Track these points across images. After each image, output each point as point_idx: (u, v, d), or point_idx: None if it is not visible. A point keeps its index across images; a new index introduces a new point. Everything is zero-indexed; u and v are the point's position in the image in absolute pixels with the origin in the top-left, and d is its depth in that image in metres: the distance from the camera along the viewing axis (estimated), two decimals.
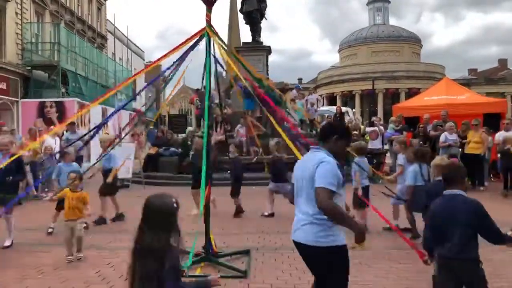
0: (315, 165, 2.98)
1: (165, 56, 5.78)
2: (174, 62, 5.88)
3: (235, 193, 8.41)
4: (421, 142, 11.13)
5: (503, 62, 64.47)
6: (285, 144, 9.30)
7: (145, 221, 2.36)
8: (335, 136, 3.15)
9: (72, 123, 11.83)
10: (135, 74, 7.97)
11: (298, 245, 3.10)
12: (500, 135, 11.34)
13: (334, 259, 2.98)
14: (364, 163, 7.00)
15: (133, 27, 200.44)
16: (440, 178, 4.95)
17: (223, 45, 5.92)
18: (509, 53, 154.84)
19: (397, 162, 7.54)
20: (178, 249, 2.36)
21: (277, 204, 8.44)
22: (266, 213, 8.30)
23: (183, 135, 15.76)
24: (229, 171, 9.40)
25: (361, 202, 6.51)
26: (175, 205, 2.39)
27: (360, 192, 6.68)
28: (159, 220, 2.33)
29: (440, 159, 5.49)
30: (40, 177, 10.44)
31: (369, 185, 6.96)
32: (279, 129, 6.14)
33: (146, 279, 2.25)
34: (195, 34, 5.50)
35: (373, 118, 17.46)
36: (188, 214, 8.05)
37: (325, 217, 2.90)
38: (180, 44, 5.64)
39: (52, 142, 10.97)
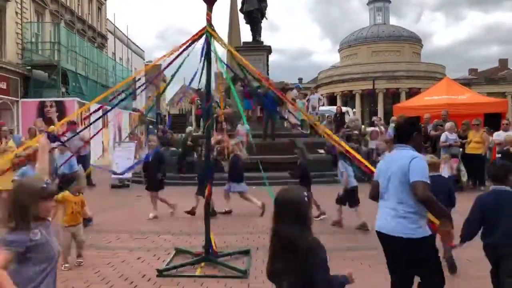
0: (408, 161, 3.17)
1: (165, 56, 5.77)
2: (173, 60, 5.86)
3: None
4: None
5: (503, 62, 64.32)
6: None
7: (281, 216, 2.28)
8: (415, 132, 3.42)
9: (73, 123, 11.79)
10: (135, 74, 7.98)
11: (384, 236, 3.26)
12: (499, 135, 11.35)
13: (426, 249, 3.18)
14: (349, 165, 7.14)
15: (133, 26, 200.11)
16: (434, 173, 5.02)
17: (224, 44, 5.91)
18: (509, 53, 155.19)
19: None
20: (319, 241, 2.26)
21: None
22: (224, 210, 8.38)
23: (183, 134, 15.75)
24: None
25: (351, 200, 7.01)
26: (305, 198, 2.31)
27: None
28: (294, 212, 2.25)
29: (430, 157, 5.53)
30: None
31: (357, 186, 7.21)
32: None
33: (306, 274, 2.16)
34: (196, 34, 5.49)
35: (374, 118, 17.47)
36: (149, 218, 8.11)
37: (412, 210, 3.12)
38: (182, 45, 5.63)
39: None
